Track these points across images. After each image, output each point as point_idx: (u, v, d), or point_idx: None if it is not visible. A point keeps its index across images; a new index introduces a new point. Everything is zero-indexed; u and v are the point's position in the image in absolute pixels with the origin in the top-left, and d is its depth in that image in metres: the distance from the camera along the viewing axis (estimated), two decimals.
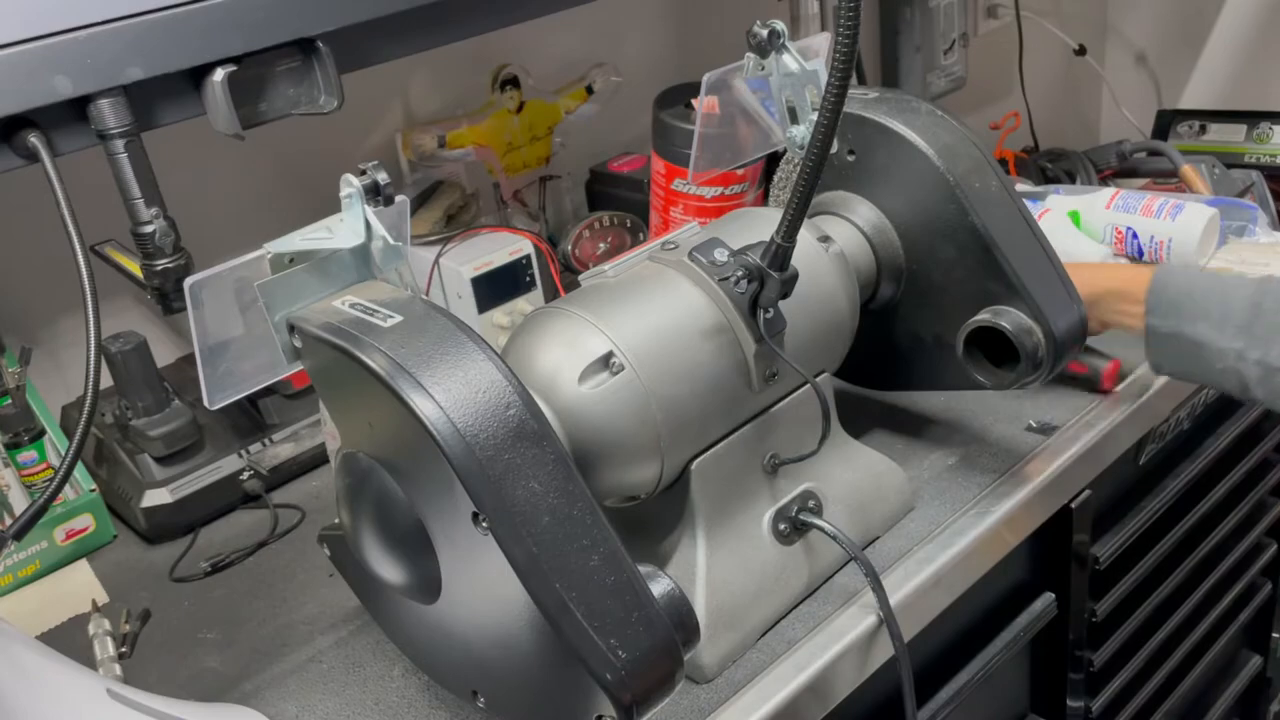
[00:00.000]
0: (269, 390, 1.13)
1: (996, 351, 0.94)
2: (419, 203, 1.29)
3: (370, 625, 0.93)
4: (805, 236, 0.86)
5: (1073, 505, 1.09)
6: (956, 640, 1.05)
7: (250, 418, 1.16)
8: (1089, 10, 2.11)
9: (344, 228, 0.74)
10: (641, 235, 1.38)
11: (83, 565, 1.09)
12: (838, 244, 0.93)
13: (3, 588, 1.06)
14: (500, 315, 1.21)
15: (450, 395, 0.64)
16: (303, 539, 1.09)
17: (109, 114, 0.81)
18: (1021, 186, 1.58)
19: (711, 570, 0.85)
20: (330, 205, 0.74)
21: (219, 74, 0.85)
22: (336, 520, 0.79)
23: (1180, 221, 1.32)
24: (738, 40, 0.91)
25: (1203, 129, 1.87)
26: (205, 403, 0.74)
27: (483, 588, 0.67)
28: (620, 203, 1.42)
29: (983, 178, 0.93)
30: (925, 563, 0.93)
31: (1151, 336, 1.01)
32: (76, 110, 0.81)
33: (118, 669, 0.93)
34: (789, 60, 0.88)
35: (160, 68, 0.82)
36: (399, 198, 0.75)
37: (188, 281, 0.71)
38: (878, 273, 0.98)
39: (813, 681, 0.84)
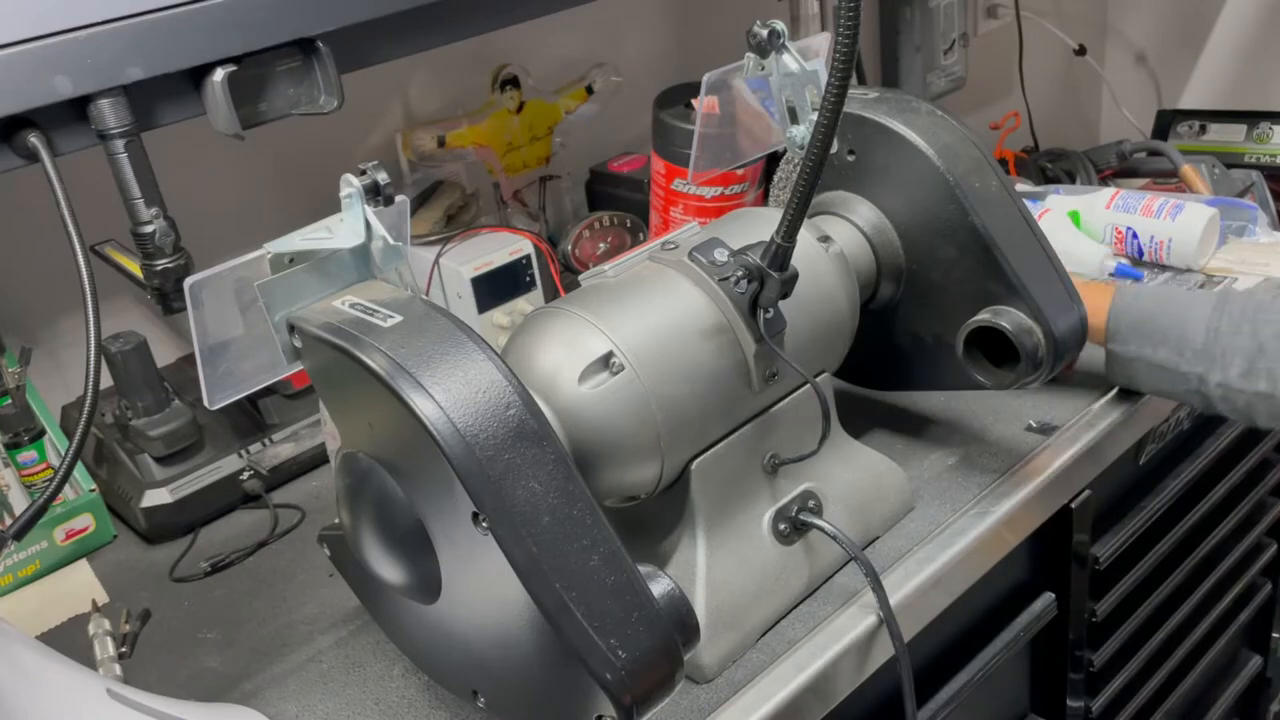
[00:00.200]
0: (269, 390, 1.13)
1: (996, 351, 0.94)
2: (419, 203, 1.29)
3: (370, 625, 0.93)
4: (805, 236, 0.86)
5: (1073, 505, 1.09)
6: (956, 640, 1.05)
7: (250, 418, 1.16)
8: (1089, 10, 2.11)
9: (344, 228, 0.74)
10: (641, 235, 1.38)
11: (83, 565, 1.09)
12: (838, 244, 0.93)
13: (3, 588, 1.06)
14: (500, 315, 1.21)
15: (450, 395, 0.64)
16: (303, 539, 1.09)
17: (109, 114, 0.81)
18: (1021, 186, 1.58)
19: (711, 570, 0.85)
20: (330, 205, 0.74)
21: (219, 74, 0.85)
22: (336, 520, 0.79)
23: (1180, 221, 1.32)
24: (738, 40, 0.91)
25: (1203, 129, 1.87)
26: (205, 403, 0.74)
27: (483, 588, 0.67)
28: (620, 203, 1.42)
29: (983, 178, 0.93)
30: (925, 563, 0.93)
31: (1114, 361, 1.04)
32: (76, 110, 0.81)
33: (118, 669, 0.93)
34: (789, 60, 0.88)
35: (160, 68, 0.82)
36: (399, 198, 0.75)
37: (188, 281, 0.71)
38: (878, 273, 0.98)
39: (813, 681, 0.84)
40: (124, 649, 0.96)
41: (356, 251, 0.75)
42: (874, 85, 1.44)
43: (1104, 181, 1.71)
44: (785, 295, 0.81)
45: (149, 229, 0.84)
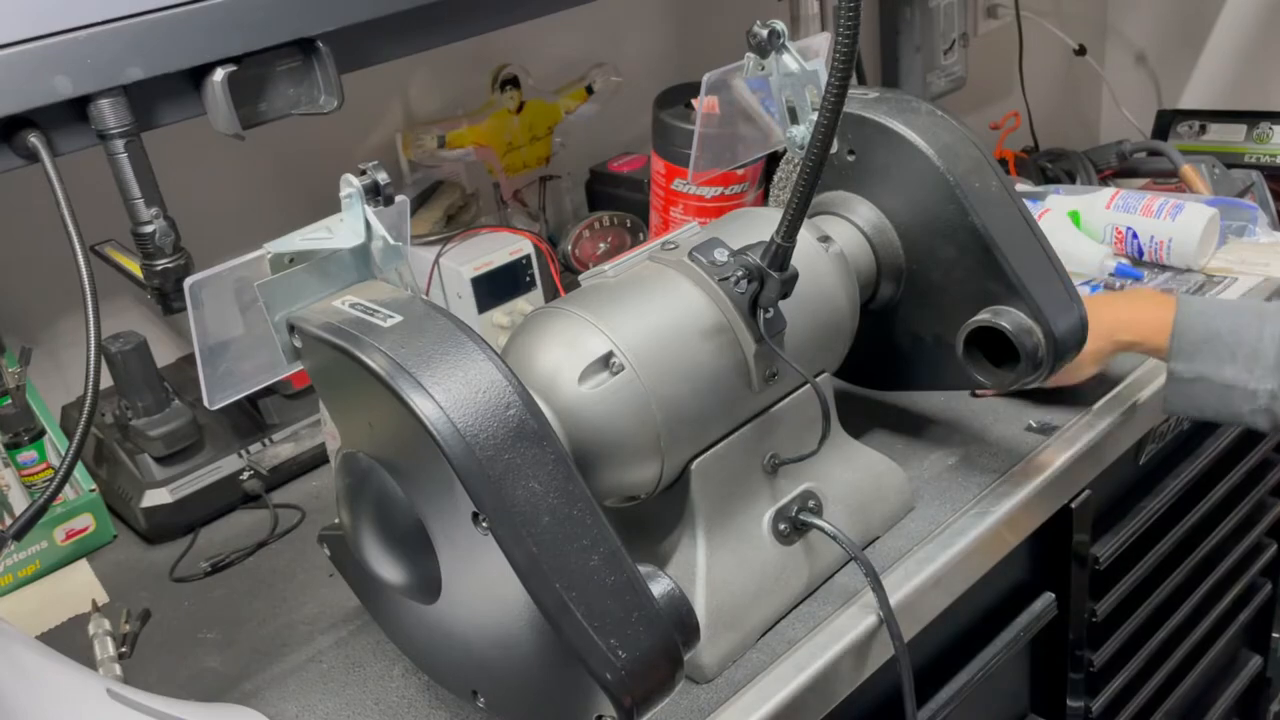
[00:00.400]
0: (269, 390, 1.13)
1: (996, 351, 0.94)
2: (419, 203, 1.29)
3: (370, 625, 0.93)
4: (805, 236, 0.86)
5: (1073, 505, 1.09)
6: (956, 640, 1.05)
7: (250, 418, 1.16)
8: (1089, 10, 2.11)
9: (344, 228, 0.74)
10: (641, 235, 1.38)
11: (83, 565, 1.09)
12: (838, 244, 0.93)
13: (3, 588, 1.06)
14: (500, 315, 1.21)
15: (450, 395, 0.64)
16: (303, 539, 1.09)
17: (109, 114, 0.81)
18: (1021, 186, 1.58)
19: (711, 570, 0.85)
20: (330, 205, 0.74)
21: (219, 74, 0.85)
22: (336, 520, 0.79)
23: (1180, 221, 1.32)
24: (738, 40, 0.91)
25: (1203, 129, 1.87)
26: (205, 403, 0.74)
27: (483, 588, 0.67)
28: (620, 203, 1.42)
29: (983, 178, 0.93)
30: (925, 563, 0.93)
31: (1174, 382, 0.98)
32: (76, 110, 0.81)
33: (118, 669, 0.93)
34: (789, 60, 0.88)
35: (160, 68, 0.82)
36: (399, 198, 0.75)
37: (188, 281, 0.71)
38: (878, 273, 0.98)
39: (813, 681, 0.84)
40: (124, 649, 0.96)
41: (356, 251, 0.75)
42: (874, 85, 1.44)
43: (1104, 181, 1.71)
44: (785, 295, 0.81)
45: (149, 229, 0.84)
